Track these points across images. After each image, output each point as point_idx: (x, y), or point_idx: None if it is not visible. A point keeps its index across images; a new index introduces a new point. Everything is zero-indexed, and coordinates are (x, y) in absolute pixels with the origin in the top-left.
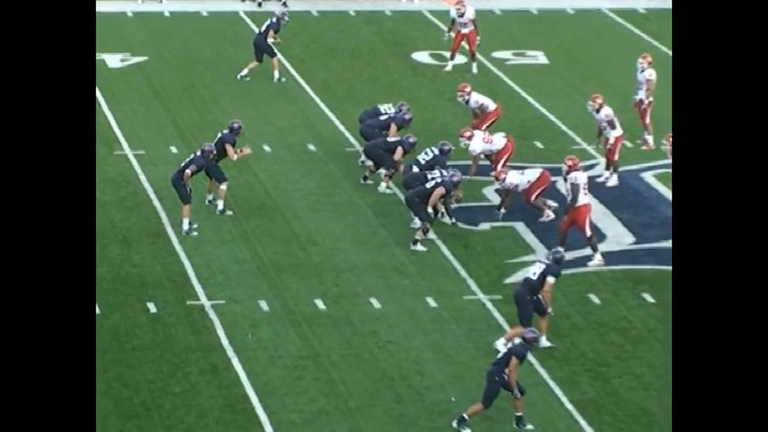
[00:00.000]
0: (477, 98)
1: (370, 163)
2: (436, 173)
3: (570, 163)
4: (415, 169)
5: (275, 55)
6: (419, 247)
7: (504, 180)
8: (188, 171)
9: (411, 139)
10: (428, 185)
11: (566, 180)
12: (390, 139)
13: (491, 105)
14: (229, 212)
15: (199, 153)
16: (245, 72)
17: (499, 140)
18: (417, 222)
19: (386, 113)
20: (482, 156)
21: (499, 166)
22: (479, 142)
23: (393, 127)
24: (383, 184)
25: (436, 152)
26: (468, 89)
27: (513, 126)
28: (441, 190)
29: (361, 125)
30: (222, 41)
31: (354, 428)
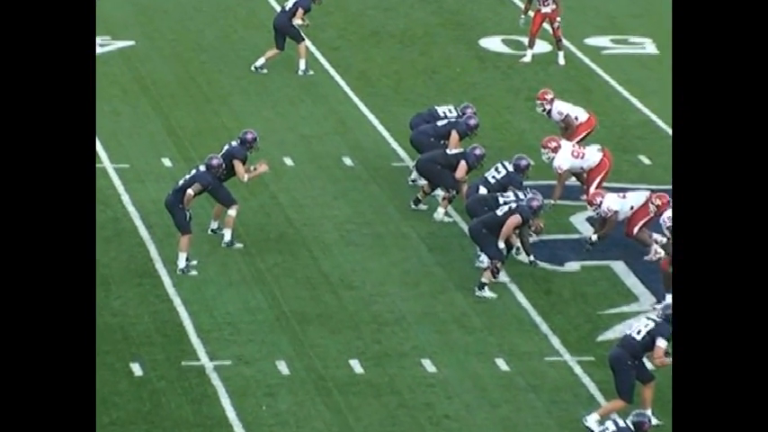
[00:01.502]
0: (561, 108)
1: (423, 182)
2: (510, 195)
3: (659, 202)
4: (483, 190)
5: (302, 40)
6: (486, 293)
7: (599, 205)
8: (190, 191)
9: (477, 151)
10: (499, 212)
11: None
12: (451, 152)
13: (582, 116)
14: (239, 245)
15: (203, 168)
16: (261, 62)
17: (593, 154)
18: (485, 260)
19: (445, 118)
20: (570, 174)
21: (592, 188)
22: (567, 156)
23: (454, 135)
24: (440, 210)
25: (510, 168)
26: (549, 96)
27: (612, 135)
28: (516, 218)
29: (413, 132)
30: (232, 22)
31: None
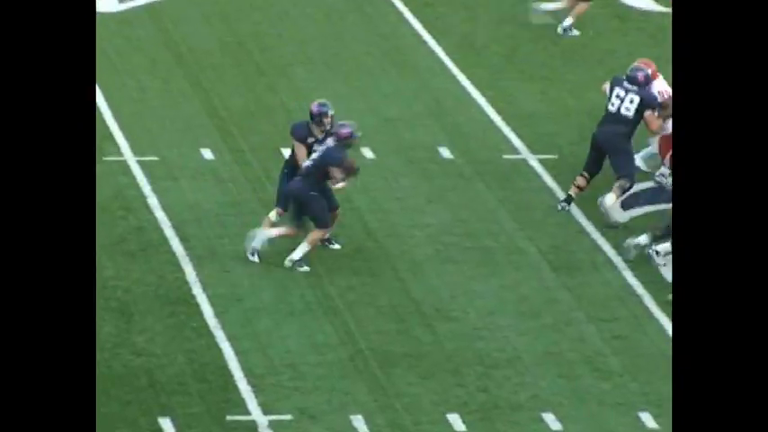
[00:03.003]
0: (661, 87)
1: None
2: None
3: None
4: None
5: None
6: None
7: None
8: (342, 185)
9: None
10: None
11: None
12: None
13: None
14: (304, 269)
15: (332, 141)
16: (569, 21)
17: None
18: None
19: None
20: None
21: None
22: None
23: (648, 117)
24: (610, 196)
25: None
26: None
27: None
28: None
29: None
30: None
31: None
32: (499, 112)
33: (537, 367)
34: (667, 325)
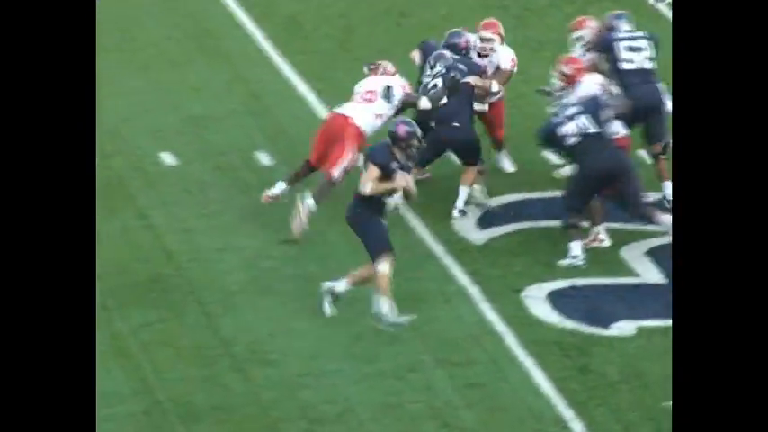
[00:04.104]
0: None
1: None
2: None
3: None
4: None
5: None
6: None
7: None
8: None
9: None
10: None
11: None
12: None
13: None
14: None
15: (449, 51)
16: None
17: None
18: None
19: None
20: None
21: None
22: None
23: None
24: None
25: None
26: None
27: None
28: None
29: None
30: None
31: None
32: (331, 107)
33: (373, 422)
34: (533, 371)
